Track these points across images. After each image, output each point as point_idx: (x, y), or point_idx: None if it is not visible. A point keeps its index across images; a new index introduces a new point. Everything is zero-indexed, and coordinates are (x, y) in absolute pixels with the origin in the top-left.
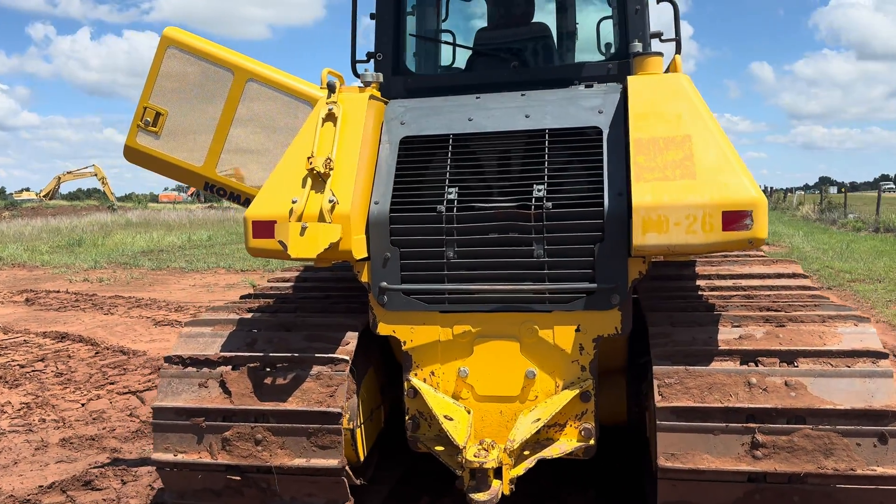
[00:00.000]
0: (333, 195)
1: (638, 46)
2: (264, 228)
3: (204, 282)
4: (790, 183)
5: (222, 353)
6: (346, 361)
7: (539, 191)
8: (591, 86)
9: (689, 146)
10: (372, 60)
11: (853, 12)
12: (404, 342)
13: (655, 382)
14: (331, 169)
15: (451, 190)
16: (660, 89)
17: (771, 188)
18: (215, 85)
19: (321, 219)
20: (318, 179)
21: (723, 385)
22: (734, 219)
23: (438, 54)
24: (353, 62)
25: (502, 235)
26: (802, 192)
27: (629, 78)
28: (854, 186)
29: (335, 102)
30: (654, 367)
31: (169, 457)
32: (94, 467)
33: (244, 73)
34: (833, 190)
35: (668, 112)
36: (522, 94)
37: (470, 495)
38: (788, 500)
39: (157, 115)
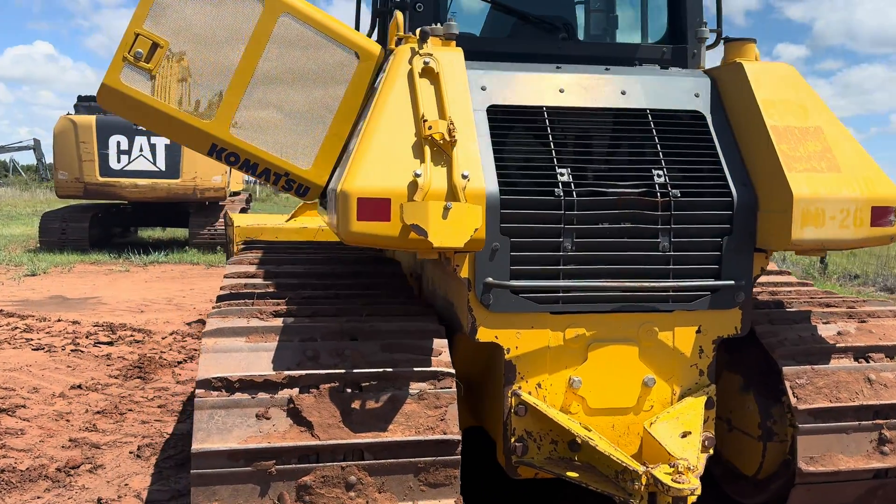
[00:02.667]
0: (465, 169)
1: (706, 32)
2: (375, 208)
3: None
4: None
5: (286, 372)
6: (452, 375)
7: (659, 176)
8: (667, 68)
9: (823, 138)
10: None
11: None
12: (508, 349)
13: (788, 384)
14: (454, 137)
15: (561, 171)
16: (777, 77)
17: None
18: (237, 15)
19: (452, 198)
20: (437, 149)
21: (846, 383)
22: (881, 214)
23: (481, 15)
24: (359, 13)
25: (626, 225)
26: None
27: (745, 63)
28: None
29: (431, 55)
30: (785, 368)
31: None
32: None
33: (278, 5)
34: None
35: (791, 101)
36: (607, 69)
37: None
38: None
39: (154, 46)
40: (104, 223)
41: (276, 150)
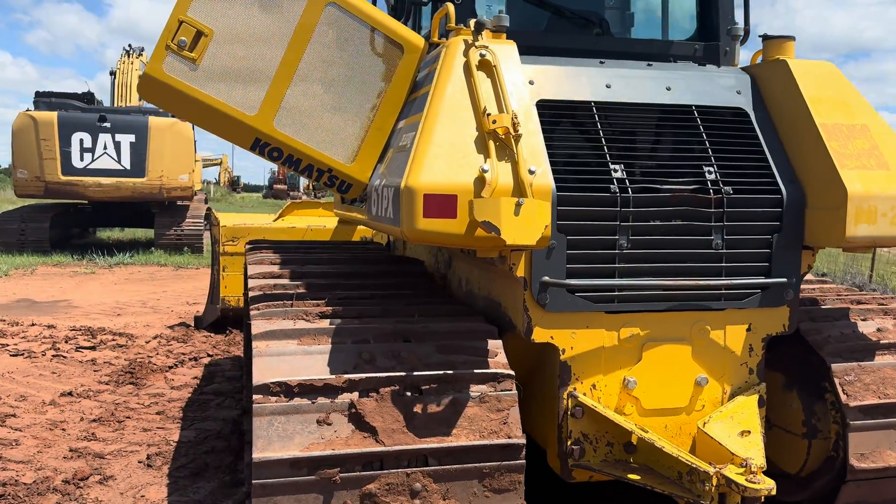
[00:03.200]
0: (532, 164)
1: (740, 29)
2: (442, 205)
3: None
4: None
5: (346, 376)
6: (511, 377)
7: (710, 173)
8: (704, 65)
9: (870, 135)
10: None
11: None
12: (563, 350)
13: (837, 381)
14: (519, 131)
15: (615, 167)
16: (821, 75)
17: None
18: (283, 4)
19: (518, 194)
20: (500, 143)
21: (892, 379)
22: None
23: (514, 9)
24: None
25: (679, 223)
26: None
27: (789, 61)
28: None
29: (486, 47)
30: (833, 366)
31: None
32: None
33: None
34: None
35: (836, 98)
36: (649, 65)
37: None
38: None
39: (199, 34)
40: (63, 224)
41: (320, 144)
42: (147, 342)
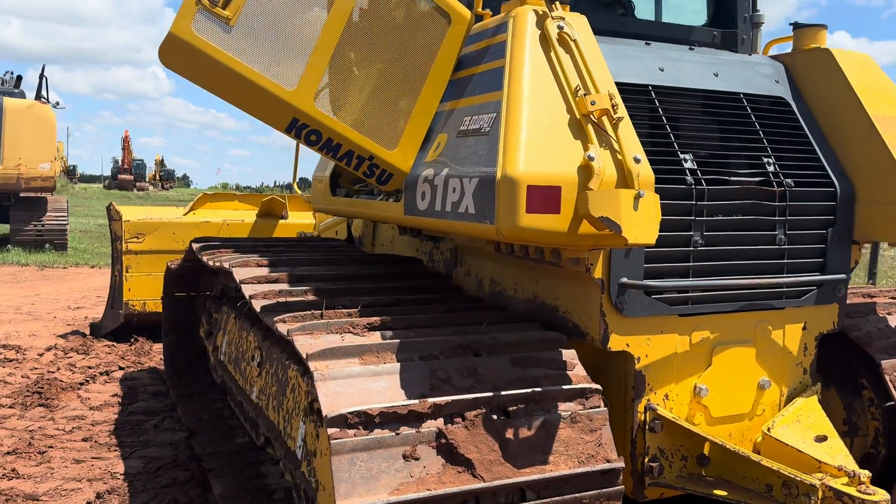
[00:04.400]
0: (637, 151)
1: (762, 17)
2: (546, 198)
3: None
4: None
5: (430, 400)
6: (599, 392)
7: (769, 164)
8: (735, 51)
9: None
10: None
11: None
12: (638, 358)
13: (887, 377)
14: (619, 114)
15: (685, 157)
16: (861, 66)
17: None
18: None
19: (624, 185)
20: (599, 128)
21: None
22: None
23: None
24: None
25: (748, 217)
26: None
27: (833, 50)
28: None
29: (563, 19)
30: (883, 362)
31: None
32: None
33: None
34: None
35: (880, 90)
36: (691, 49)
37: None
38: None
39: None
40: None
41: (362, 127)
42: (40, 355)
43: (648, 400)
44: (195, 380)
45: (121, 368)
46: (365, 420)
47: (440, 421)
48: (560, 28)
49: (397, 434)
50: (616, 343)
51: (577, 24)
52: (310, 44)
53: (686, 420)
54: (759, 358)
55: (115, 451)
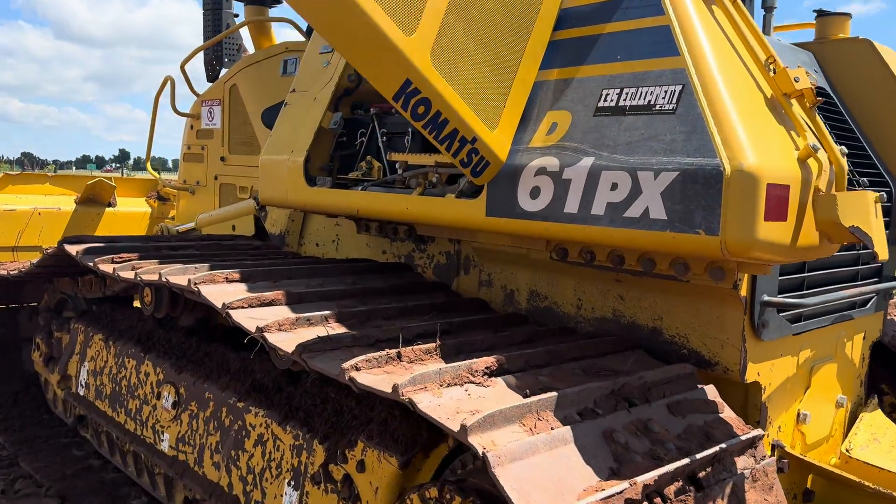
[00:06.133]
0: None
1: (775, 0)
2: (779, 201)
3: None
4: None
5: (638, 480)
6: (762, 437)
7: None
8: None
9: None
10: None
11: None
12: (764, 388)
13: None
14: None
15: None
16: (892, 57)
17: None
18: None
19: (836, 186)
20: (801, 110)
21: None
22: None
23: None
24: None
25: None
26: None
27: (875, 43)
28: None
29: None
30: None
31: None
32: None
33: None
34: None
35: None
36: None
37: None
38: None
39: None
40: None
41: (470, 99)
42: None
43: (768, 434)
44: (29, 419)
45: None
46: None
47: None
48: None
49: None
50: (751, 373)
51: None
52: None
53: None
54: (838, 373)
55: None
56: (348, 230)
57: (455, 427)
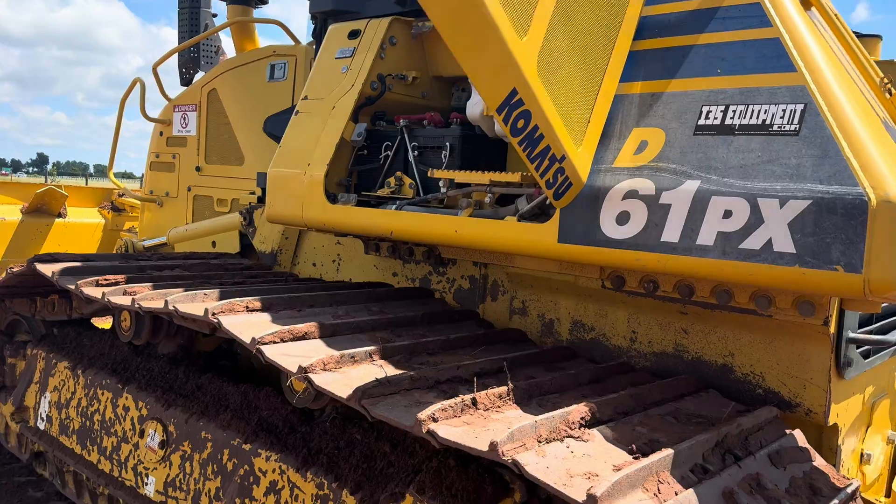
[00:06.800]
0: None
1: None
2: None
3: None
4: None
5: None
6: (859, 486)
7: None
8: None
9: None
10: None
11: None
12: (840, 429)
13: None
14: None
15: None
16: None
17: None
18: None
19: None
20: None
21: None
22: None
23: None
24: None
25: None
26: None
27: None
28: None
29: None
30: None
31: None
32: None
33: None
34: None
35: None
36: None
37: None
38: None
39: None
40: None
41: (562, 112)
42: None
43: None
44: None
45: None
46: None
47: None
48: None
49: None
50: (832, 414)
51: None
52: None
53: None
54: (890, 408)
55: None
56: (352, 250)
57: (580, 497)
